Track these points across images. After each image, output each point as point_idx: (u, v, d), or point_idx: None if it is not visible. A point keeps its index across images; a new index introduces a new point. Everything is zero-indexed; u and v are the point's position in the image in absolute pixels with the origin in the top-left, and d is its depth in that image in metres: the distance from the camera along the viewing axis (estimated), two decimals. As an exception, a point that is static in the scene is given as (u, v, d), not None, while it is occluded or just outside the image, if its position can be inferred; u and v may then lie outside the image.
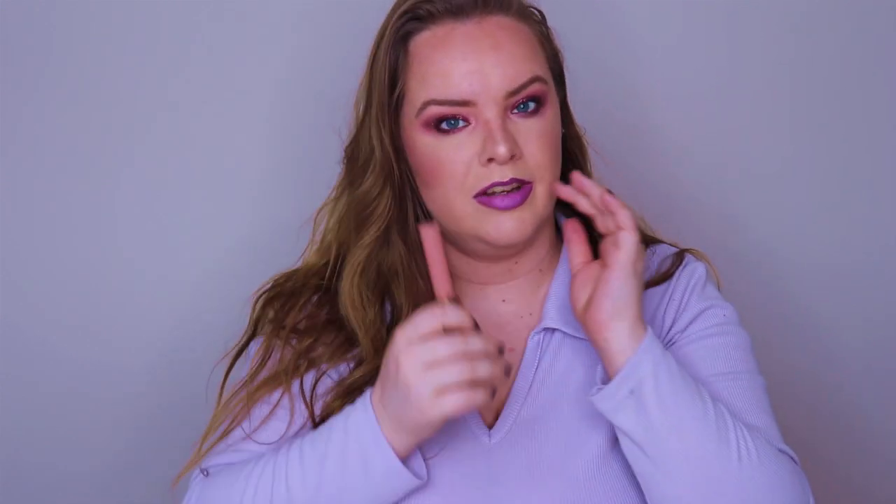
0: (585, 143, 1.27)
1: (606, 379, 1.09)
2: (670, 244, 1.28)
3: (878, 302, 1.60)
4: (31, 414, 1.52)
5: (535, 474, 1.12)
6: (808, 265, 1.59)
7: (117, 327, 1.52)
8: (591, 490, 1.11)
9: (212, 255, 1.52)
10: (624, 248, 1.07)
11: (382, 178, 1.18)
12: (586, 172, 1.26)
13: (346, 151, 1.25)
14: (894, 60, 1.56)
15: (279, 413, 1.16)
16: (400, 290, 1.19)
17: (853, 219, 1.59)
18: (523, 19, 1.16)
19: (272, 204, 1.51)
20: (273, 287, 1.25)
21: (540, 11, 1.20)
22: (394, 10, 1.17)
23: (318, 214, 1.27)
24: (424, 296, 1.18)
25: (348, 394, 1.15)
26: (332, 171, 1.27)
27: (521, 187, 1.12)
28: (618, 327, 1.07)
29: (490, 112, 1.11)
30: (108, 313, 1.51)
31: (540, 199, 1.14)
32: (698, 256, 1.26)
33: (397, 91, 1.15)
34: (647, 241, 1.27)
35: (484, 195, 1.12)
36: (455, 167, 1.12)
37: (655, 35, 1.53)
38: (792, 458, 1.13)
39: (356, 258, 1.19)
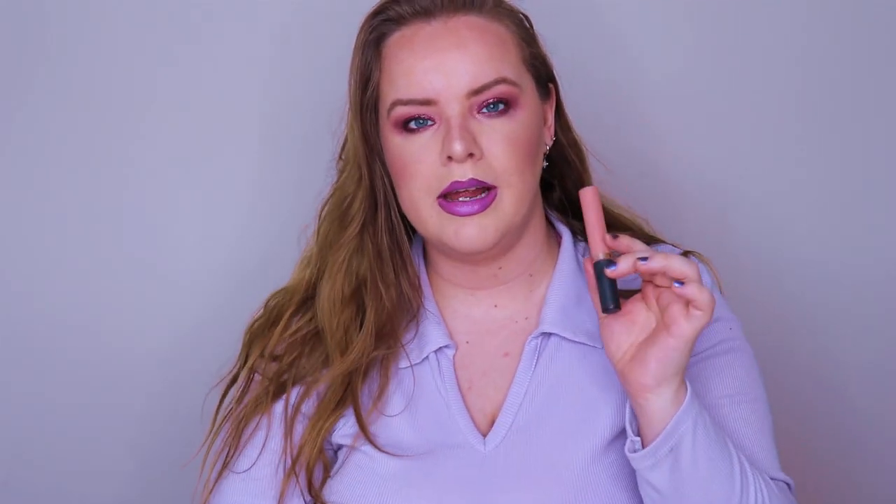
0: (584, 150, 1.26)
1: (638, 431, 1.07)
2: (672, 245, 1.26)
3: (879, 302, 1.60)
4: (33, 415, 1.52)
5: (528, 482, 1.11)
6: (808, 265, 1.59)
7: (117, 332, 1.51)
8: (585, 496, 1.10)
9: (211, 260, 1.52)
10: (695, 325, 1.02)
11: (357, 175, 1.19)
12: (585, 180, 1.25)
13: (339, 155, 1.25)
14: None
15: (256, 438, 1.17)
16: (368, 298, 1.19)
17: (854, 219, 1.58)
18: (497, 20, 1.15)
19: (269, 209, 1.51)
20: (262, 314, 1.25)
21: (525, 16, 1.19)
22: (369, 12, 1.17)
23: (319, 212, 1.26)
24: (386, 309, 1.18)
25: (326, 415, 1.16)
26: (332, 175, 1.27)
27: (485, 194, 1.11)
28: (664, 392, 1.04)
29: (452, 110, 1.10)
30: (108, 319, 1.51)
31: (507, 205, 1.12)
32: (701, 260, 1.25)
33: (369, 92, 1.16)
34: (648, 240, 1.25)
35: (445, 199, 1.11)
36: (419, 167, 1.12)
37: (650, 37, 1.53)
38: (788, 485, 1.15)
39: (338, 256, 1.20)
